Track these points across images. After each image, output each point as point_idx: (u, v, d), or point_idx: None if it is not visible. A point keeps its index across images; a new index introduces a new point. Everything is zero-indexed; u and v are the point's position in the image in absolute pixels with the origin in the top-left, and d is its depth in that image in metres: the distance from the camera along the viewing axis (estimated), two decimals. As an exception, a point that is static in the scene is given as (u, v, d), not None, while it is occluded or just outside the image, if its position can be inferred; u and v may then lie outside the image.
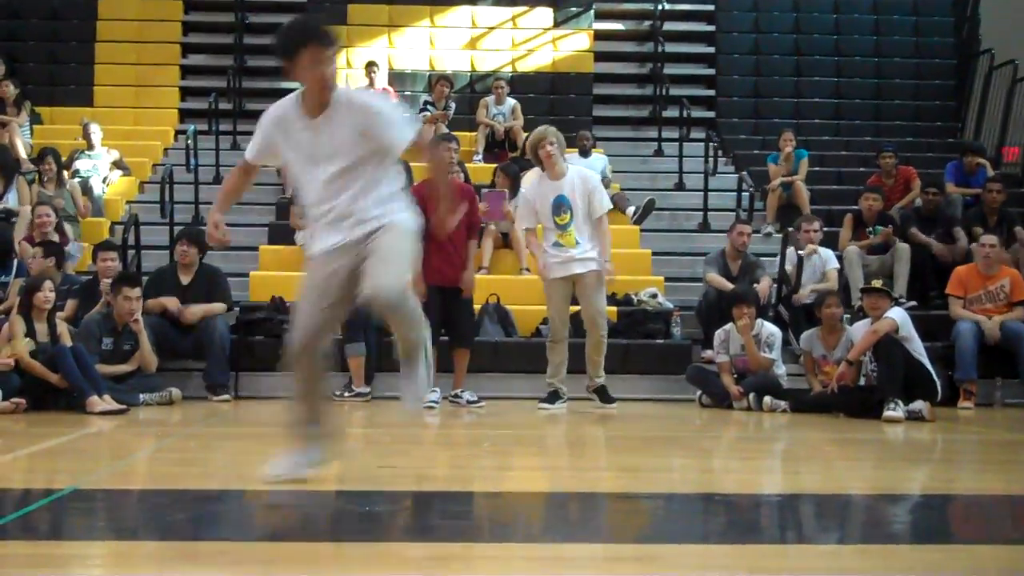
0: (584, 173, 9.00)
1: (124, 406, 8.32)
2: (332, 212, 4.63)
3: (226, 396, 9.52)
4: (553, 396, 8.82)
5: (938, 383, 8.61)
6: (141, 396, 8.89)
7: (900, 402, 8.31)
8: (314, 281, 4.69)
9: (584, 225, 8.69)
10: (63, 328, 8.76)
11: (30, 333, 8.54)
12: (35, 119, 14.50)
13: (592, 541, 3.80)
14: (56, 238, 10.64)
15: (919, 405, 8.38)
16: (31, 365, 8.35)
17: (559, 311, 8.82)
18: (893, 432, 7.85)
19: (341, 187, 4.60)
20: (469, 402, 9.09)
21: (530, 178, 12.11)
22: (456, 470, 5.98)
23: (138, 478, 5.51)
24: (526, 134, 13.59)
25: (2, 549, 3.60)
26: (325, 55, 4.50)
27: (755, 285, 10.20)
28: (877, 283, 8.99)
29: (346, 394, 9.44)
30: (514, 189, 11.71)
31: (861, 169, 14.08)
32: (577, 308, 8.91)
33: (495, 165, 12.54)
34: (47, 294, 8.67)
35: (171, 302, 9.67)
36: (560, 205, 8.69)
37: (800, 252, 10.67)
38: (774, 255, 11.23)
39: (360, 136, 4.54)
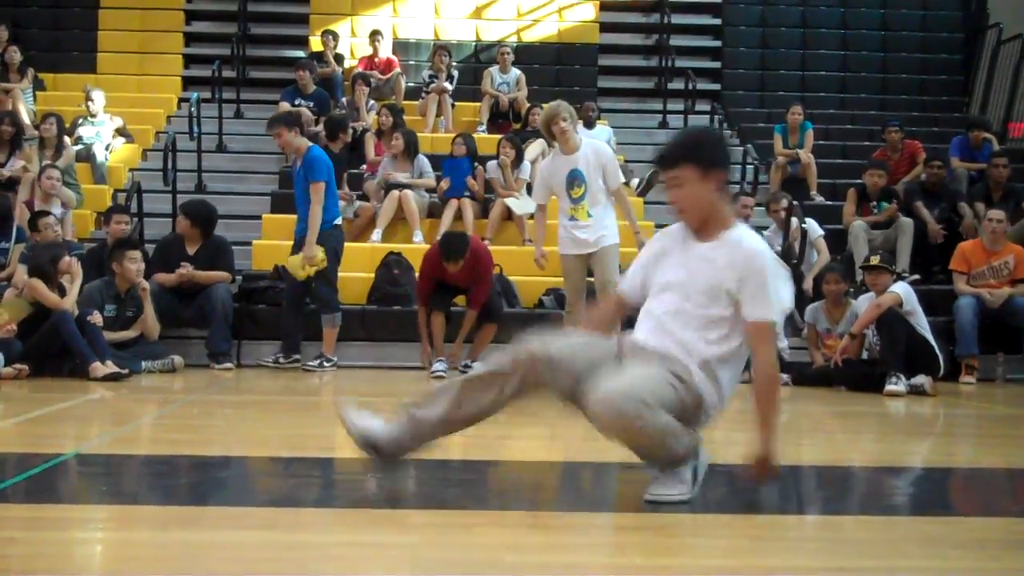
0: (597, 146, 8.96)
1: (126, 370, 8.32)
2: None
3: (228, 364, 9.53)
4: None
5: (940, 358, 8.61)
6: (143, 363, 8.90)
7: (902, 376, 8.32)
8: None
9: (597, 198, 8.65)
10: (71, 293, 8.74)
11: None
12: (38, 85, 14.47)
13: (595, 510, 3.81)
14: (57, 205, 10.62)
15: (921, 379, 8.39)
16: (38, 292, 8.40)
17: (574, 282, 8.81)
18: (895, 406, 7.86)
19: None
20: None
21: (533, 150, 12.16)
22: (457, 438, 5.98)
23: (141, 444, 5.51)
24: (529, 105, 13.59)
25: (3, 512, 3.61)
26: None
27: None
28: (875, 259, 8.95)
29: (324, 364, 9.41)
30: (518, 159, 11.69)
31: (866, 143, 14.04)
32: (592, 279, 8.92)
33: (499, 136, 12.51)
34: (68, 262, 8.73)
35: (174, 277, 9.64)
36: (574, 179, 8.66)
37: (804, 225, 10.64)
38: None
39: None
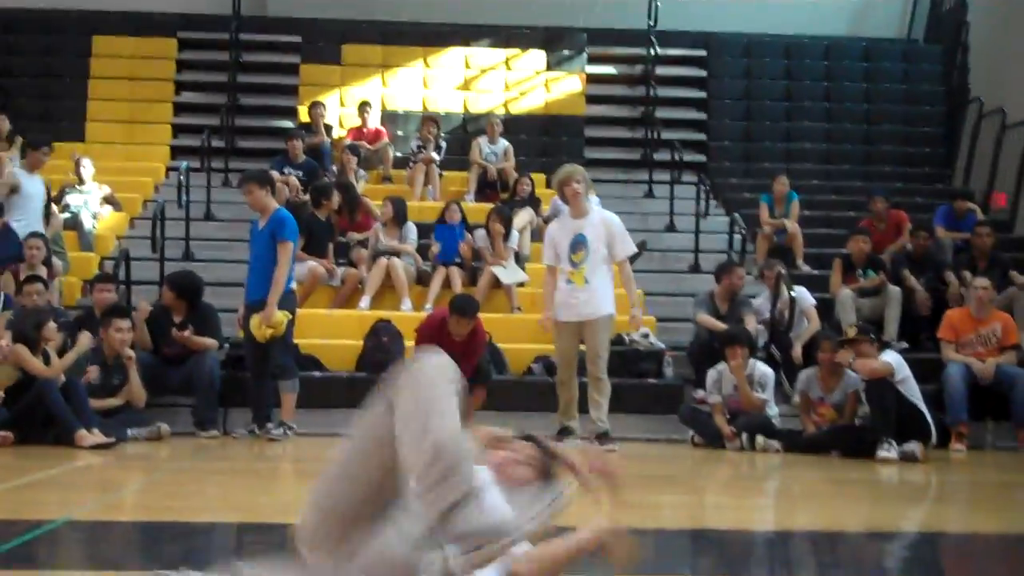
0: (609, 218, 9.06)
1: (112, 438, 8.24)
2: None
3: (214, 432, 9.43)
4: (563, 433, 8.74)
5: (932, 425, 8.60)
6: (129, 431, 8.81)
7: (893, 443, 8.31)
8: None
9: (598, 266, 8.73)
10: (55, 360, 8.68)
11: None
12: (25, 153, 14.47)
13: (584, 572, 3.76)
14: (44, 272, 10.57)
15: (912, 446, 8.37)
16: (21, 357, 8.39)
17: (563, 351, 8.86)
18: (887, 472, 7.84)
19: None
20: None
21: (522, 219, 12.23)
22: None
23: (129, 510, 5.45)
24: (517, 175, 13.67)
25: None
26: None
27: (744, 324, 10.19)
28: (850, 331, 9.04)
29: (286, 431, 9.13)
30: (507, 230, 11.71)
31: (851, 213, 14.13)
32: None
33: (490, 205, 12.57)
34: (53, 328, 8.68)
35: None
36: (577, 243, 8.74)
37: (793, 293, 10.66)
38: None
39: None
